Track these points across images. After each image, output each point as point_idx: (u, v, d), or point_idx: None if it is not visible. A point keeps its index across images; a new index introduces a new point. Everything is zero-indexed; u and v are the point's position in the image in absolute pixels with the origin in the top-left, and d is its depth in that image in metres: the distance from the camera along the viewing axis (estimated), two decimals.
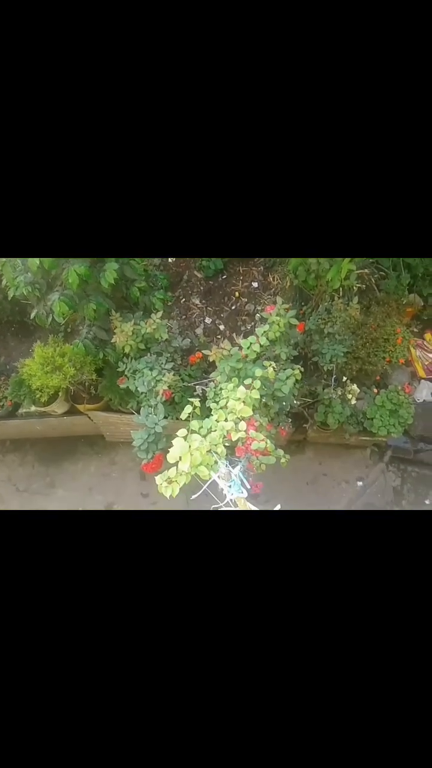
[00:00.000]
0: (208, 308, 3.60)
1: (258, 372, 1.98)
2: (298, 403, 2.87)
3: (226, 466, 1.54)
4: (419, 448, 3.38)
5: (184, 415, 1.69)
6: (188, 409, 1.71)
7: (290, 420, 2.74)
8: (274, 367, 2.05)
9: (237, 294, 3.60)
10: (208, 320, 3.57)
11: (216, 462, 1.58)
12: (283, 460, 2.03)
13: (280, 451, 2.01)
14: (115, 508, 3.37)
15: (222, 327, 3.56)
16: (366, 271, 3.01)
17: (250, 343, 2.16)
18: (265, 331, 2.20)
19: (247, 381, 1.91)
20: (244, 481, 1.68)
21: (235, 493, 1.51)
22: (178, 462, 1.48)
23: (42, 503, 3.40)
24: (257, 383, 1.87)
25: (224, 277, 3.68)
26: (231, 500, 1.51)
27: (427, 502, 3.30)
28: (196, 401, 1.81)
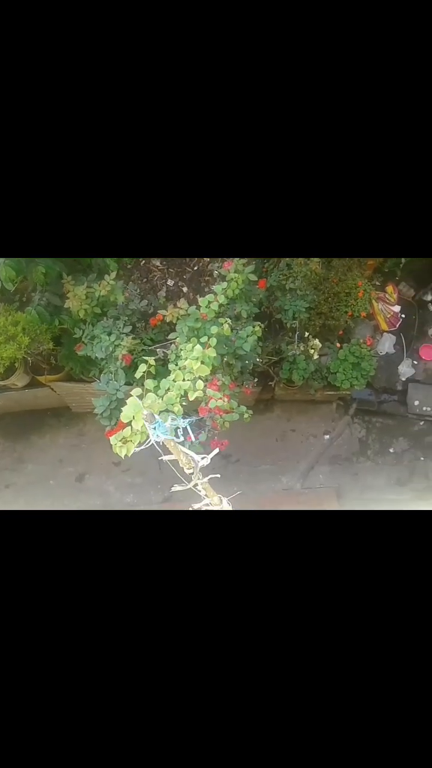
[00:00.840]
0: (170, 270, 3.49)
1: (214, 330, 1.94)
2: (262, 361, 2.87)
3: (173, 420, 1.53)
4: (383, 399, 3.47)
5: (138, 374, 1.66)
6: (142, 368, 1.68)
7: (255, 379, 2.75)
8: (230, 324, 2.02)
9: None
10: (170, 282, 3.47)
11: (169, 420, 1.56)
12: (246, 416, 2.04)
13: (243, 408, 2.02)
14: (87, 478, 3.36)
15: (185, 289, 3.47)
16: None
17: (209, 302, 2.11)
18: (223, 289, 2.15)
19: (203, 339, 1.88)
20: (190, 432, 1.68)
21: (161, 435, 1.47)
22: (131, 421, 1.46)
23: (11, 478, 3.35)
24: (213, 341, 1.84)
25: None
26: (156, 442, 1.48)
27: (391, 450, 3.43)
28: (151, 359, 1.78)
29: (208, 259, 3.49)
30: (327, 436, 3.43)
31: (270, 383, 3.12)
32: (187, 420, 1.65)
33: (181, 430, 1.61)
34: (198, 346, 1.93)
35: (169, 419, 1.53)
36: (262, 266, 2.90)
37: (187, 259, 3.50)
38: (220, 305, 2.13)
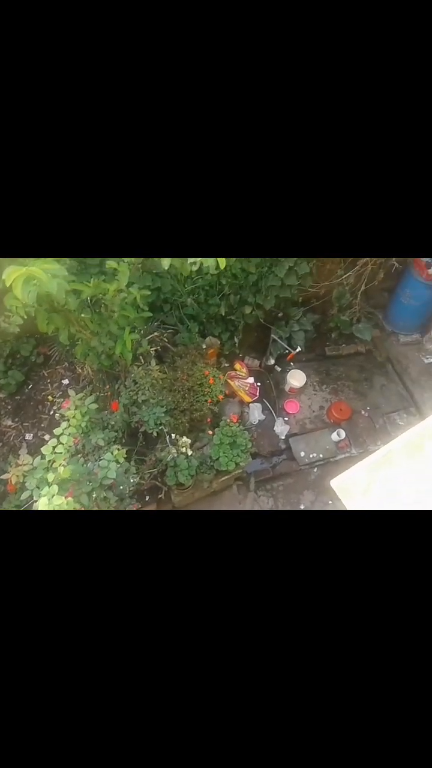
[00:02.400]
0: (24, 424, 3.37)
1: (66, 472, 1.86)
2: (143, 477, 2.80)
3: None
4: (274, 462, 3.59)
5: None
6: None
7: (135, 500, 2.64)
8: (85, 458, 1.97)
9: (50, 398, 3.46)
10: (29, 436, 3.33)
11: None
12: None
13: None
14: None
15: (47, 436, 3.36)
16: (156, 333, 3.21)
17: (53, 448, 2.04)
18: (64, 430, 2.11)
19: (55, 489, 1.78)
20: None
21: None
22: None
23: None
24: (66, 486, 1.75)
25: (30, 387, 3.52)
26: None
27: (302, 506, 3.48)
28: None
29: (62, 400, 3.48)
30: None
31: (160, 496, 3.03)
32: None
33: None
34: (56, 497, 1.81)
35: None
36: (106, 392, 2.97)
37: (40, 407, 3.44)
38: (66, 446, 2.07)
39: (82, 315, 2.43)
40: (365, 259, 3.55)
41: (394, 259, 3.56)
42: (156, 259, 2.04)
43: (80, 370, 3.62)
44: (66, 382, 3.56)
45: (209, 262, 2.07)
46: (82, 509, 1.85)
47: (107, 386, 3.09)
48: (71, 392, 2.34)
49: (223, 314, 3.51)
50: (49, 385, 3.54)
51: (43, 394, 3.49)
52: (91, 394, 2.51)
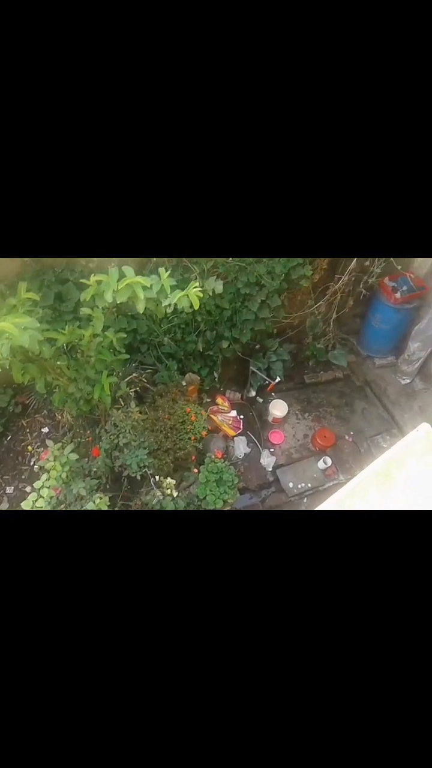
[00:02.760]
0: (5, 477, 3.26)
1: None
2: None
3: None
4: (263, 496, 3.54)
5: None
6: None
7: None
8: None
9: (30, 449, 3.37)
10: (10, 489, 3.22)
11: None
12: None
13: None
14: None
15: (28, 488, 3.24)
16: (134, 374, 3.20)
17: (33, 502, 1.97)
18: (44, 482, 2.05)
19: None
20: None
21: None
22: None
23: None
24: None
25: (9, 438, 3.43)
26: None
27: None
28: None
29: (42, 449, 3.39)
30: None
31: None
32: None
33: None
34: None
35: None
36: (87, 437, 2.92)
37: (20, 458, 3.35)
38: (47, 498, 2.00)
39: (58, 362, 2.41)
40: (334, 288, 3.67)
41: (361, 286, 3.69)
42: (130, 302, 2.06)
43: (60, 417, 3.55)
44: (46, 430, 3.48)
45: (183, 303, 2.10)
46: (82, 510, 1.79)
47: (88, 432, 3.03)
48: (50, 442, 2.28)
49: (201, 350, 3.54)
50: (28, 434, 3.45)
51: (23, 444, 3.40)
52: (71, 442, 2.46)
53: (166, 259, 3.18)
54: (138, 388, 3.19)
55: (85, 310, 2.27)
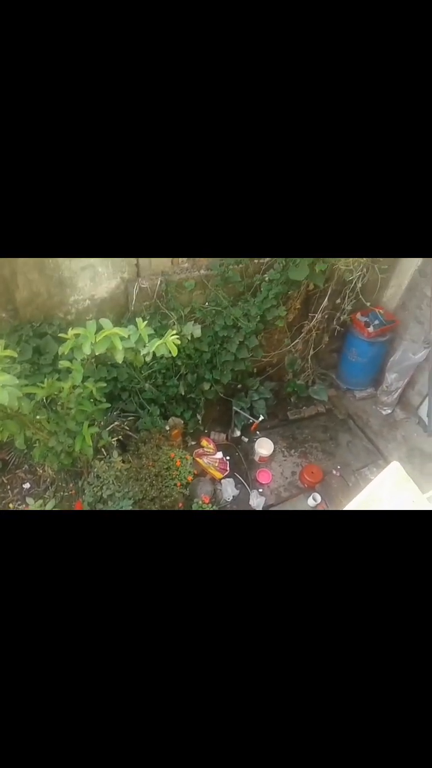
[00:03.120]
0: None
1: None
2: None
3: None
4: None
5: None
6: None
7: None
8: None
9: (11, 506, 3.24)
10: None
11: None
12: None
13: None
14: None
15: None
16: (116, 423, 3.17)
17: None
18: None
19: None
20: None
21: None
22: None
23: None
24: None
25: None
26: None
27: None
28: None
29: (23, 506, 3.27)
30: None
31: None
32: None
33: None
34: None
35: None
36: (70, 490, 2.84)
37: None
38: None
39: (38, 417, 2.38)
40: (309, 326, 3.78)
41: (335, 323, 3.81)
42: (109, 352, 2.08)
43: (41, 472, 3.45)
44: (27, 486, 3.36)
45: (161, 350, 2.13)
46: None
47: (70, 485, 2.95)
48: (29, 500, 2.21)
49: (183, 394, 3.55)
50: (9, 491, 3.33)
51: (4, 501, 3.27)
52: (53, 497, 2.38)
53: (143, 307, 3.25)
54: (120, 437, 3.15)
55: (63, 363, 2.27)
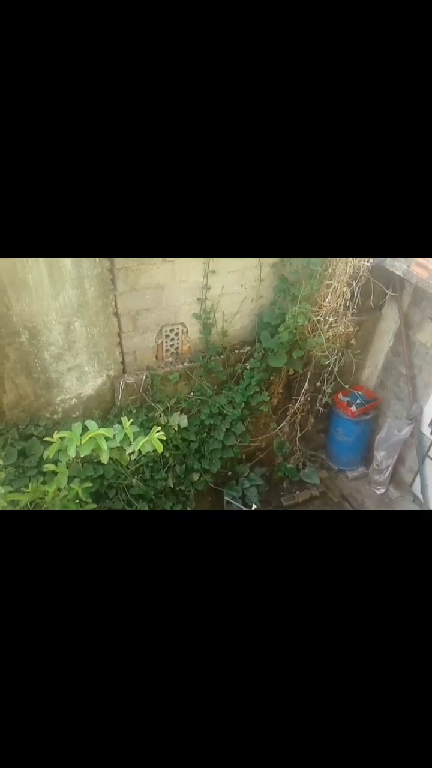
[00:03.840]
0: None
1: None
2: None
3: None
4: None
5: None
6: None
7: None
8: None
9: None
10: None
11: None
12: None
13: None
14: None
15: None
16: None
17: None
18: None
19: None
20: None
21: None
22: None
23: None
24: None
25: None
26: None
27: None
28: None
29: None
30: None
31: None
32: None
33: None
34: None
35: None
36: None
37: None
38: None
39: None
40: (294, 409, 3.86)
41: (318, 404, 3.90)
42: (95, 453, 2.06)
43: None
44: None
45: (147, 448, 2.12)
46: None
47: None
48: None
49: (172, 486, 3.47)
50: None
51: None
52: None
53: (130, 402, 3.30)
54: None
55: (48, 466, 2.24)
